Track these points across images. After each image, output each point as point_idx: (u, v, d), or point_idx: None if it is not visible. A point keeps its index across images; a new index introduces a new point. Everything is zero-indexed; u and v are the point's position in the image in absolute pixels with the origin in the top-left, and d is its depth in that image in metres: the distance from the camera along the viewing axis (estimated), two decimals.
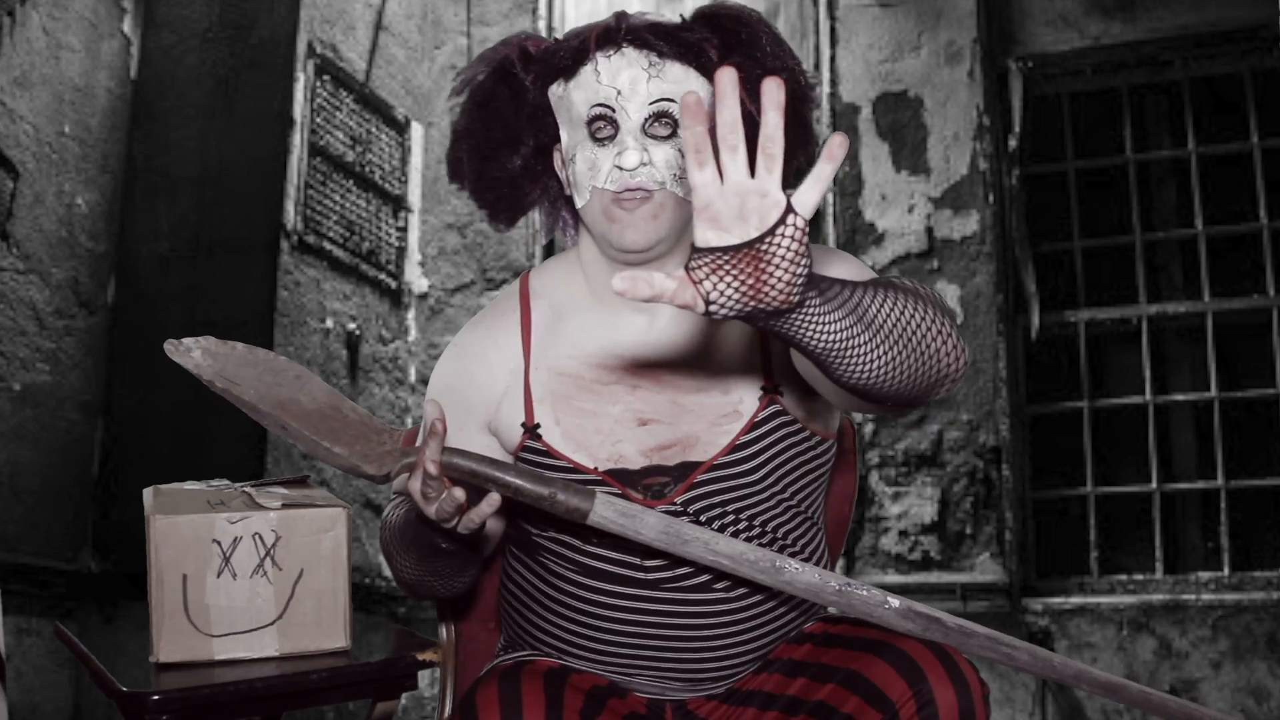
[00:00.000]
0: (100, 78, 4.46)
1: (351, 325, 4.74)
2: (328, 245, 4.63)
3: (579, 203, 1.58)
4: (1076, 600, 4.41)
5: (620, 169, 1.53)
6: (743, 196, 1.13)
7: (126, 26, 4.58)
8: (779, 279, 1.15)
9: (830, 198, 4.83)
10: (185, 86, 4.55)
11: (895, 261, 4.72)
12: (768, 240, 1.13)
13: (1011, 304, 4.70)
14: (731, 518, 1.57)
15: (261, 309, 4.35)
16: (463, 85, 1.64)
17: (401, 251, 5.13)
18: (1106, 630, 4.31)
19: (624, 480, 1.56)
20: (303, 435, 1.44)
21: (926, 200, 4.74)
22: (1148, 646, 4.27)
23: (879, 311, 1.29)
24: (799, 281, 1.16)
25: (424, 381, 5.13)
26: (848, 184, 4.82)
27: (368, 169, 4.95)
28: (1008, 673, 4.28)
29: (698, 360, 1.59)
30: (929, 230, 4.71)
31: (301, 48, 4.56)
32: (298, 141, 4.52)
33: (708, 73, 1.55)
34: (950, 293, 4.66)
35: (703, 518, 1.56)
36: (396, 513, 1.66)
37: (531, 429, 1.60)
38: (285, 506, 1.80)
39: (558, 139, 1.64)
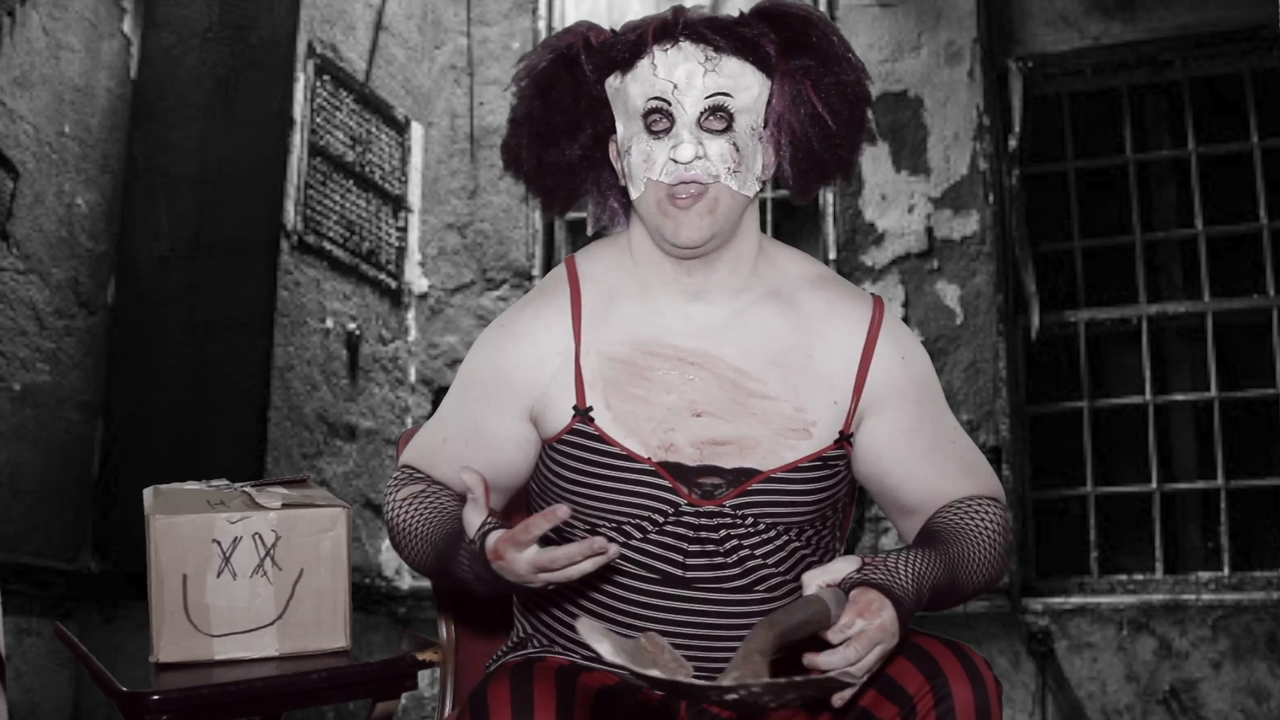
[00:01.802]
0: (100, 78, 4.46)
1: (351, 325, 4.74)
2: (328, 245, 4.63)
3: (634, 194, 1.59)
4: (1076, 600, 4.41)
5: (675, 161, 1.53)
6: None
7: (126, 26, 4.58)
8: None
9: (830, 197, 4.84)
10: (185, 86, 4.55)
11: (895, 261, 4.72)
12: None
13: (1011, 304, 4.70)
14: (781, 525, 1.59)
15: (261, 309, 4.35)
16: (525, 71, 1.63)
17: (401, 251, 5.13)
18: (1106, 630, 4.31)
19: (677, 475, 1.56)
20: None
21: (926, 200, 4.74)
22: (1148, 646, 4.27)
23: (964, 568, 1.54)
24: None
25: (424, 382, 5.12)
26: (848, 184, 4.82)
27: (368, 169, 4.95)
28: (1008, 672, 4.27)
29: (769, 364, 1.59)
30: (929, 230, 4.71)
31: (301, 48, 4.56)
32: (298, 141, 4.52)
33: (765, 68, 1.57)
34: (950, 293, 4.66)
35: (747, 520, 1.57)
36: (419, 510, 1.60)
37: (584, 412, 1.58)
38: (285, 506, 1.80)
39: (614, 129, 1.64)
